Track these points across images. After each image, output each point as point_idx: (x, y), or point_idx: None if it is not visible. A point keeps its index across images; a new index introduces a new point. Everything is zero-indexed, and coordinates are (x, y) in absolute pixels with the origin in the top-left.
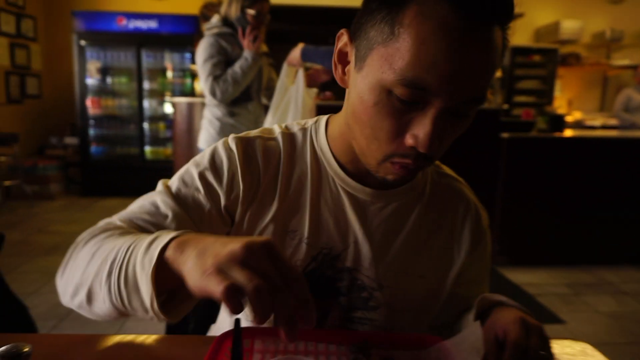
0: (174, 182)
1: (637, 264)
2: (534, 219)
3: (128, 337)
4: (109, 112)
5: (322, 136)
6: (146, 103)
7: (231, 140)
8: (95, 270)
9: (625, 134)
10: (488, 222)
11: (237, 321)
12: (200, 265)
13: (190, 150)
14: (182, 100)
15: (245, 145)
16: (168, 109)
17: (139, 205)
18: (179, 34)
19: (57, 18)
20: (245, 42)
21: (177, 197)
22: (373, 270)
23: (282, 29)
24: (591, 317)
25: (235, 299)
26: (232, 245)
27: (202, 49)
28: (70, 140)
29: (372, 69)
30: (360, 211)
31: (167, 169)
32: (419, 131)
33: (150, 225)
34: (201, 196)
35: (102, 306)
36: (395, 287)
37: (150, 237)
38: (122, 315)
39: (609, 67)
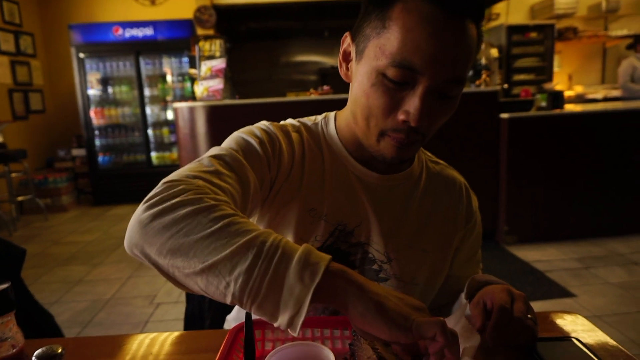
0: (232, 145)
1: None
2: (539, 196)
3: (151, 335)
4: (112, 122)
5: (332, 128)
6: (148, 110)
7: (268, 123)
8: (229, 252)
9: (628, 105)
10: (477, 204)
11: (249, 314)
12: (392, 317)
13: (195, 154)
14: (182, 105)
15: (280, 129)
16: (170, 114)
17: (207, 164)
18: (175, 39)
19: (55, 33)
20: None
21: (245, 154)
22: (382, 244)
23: (281, 25)
24: (602, 289)
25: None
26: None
27: None
28: (78, 152)
29: (369, 58)
30: (369, 192)
31: None
32: (410, 107)
33: (236, 181)
34: (261, 157)
35: (213, 286)
36: (402, 260)
37: (304, 248)
38: (223, 302)
39: (607, 39)
